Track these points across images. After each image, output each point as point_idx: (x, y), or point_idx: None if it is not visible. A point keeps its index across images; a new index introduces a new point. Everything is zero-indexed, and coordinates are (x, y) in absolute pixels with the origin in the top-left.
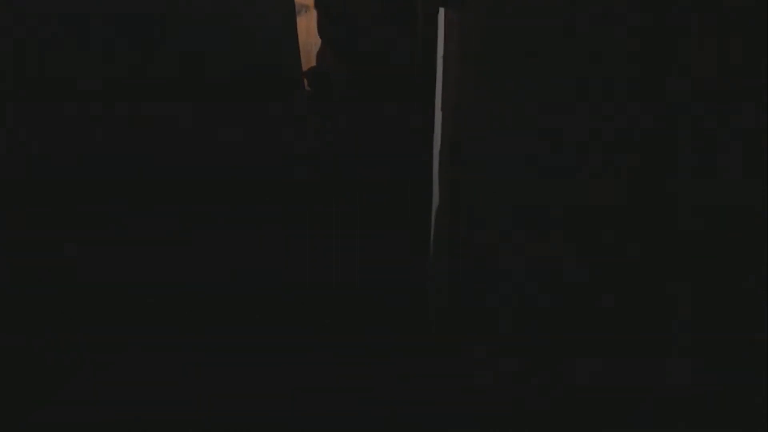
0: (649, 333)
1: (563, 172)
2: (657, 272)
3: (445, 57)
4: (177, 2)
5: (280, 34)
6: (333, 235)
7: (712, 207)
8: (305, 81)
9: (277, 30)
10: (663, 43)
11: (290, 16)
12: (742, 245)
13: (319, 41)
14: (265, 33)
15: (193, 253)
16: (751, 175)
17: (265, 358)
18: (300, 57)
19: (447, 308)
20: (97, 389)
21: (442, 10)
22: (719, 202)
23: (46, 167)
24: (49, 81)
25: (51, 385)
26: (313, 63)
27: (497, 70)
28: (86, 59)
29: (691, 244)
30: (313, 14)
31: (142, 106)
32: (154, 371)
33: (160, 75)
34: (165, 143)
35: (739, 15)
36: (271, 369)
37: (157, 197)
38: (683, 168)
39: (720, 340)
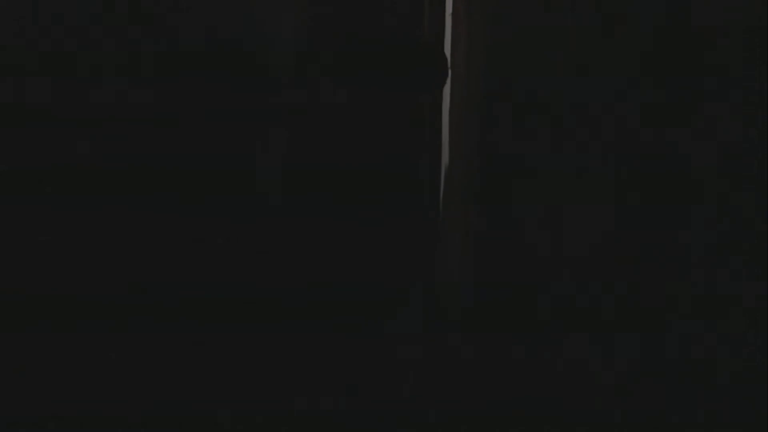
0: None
1: None
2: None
3: (454, 13)
4: None
5: None
6: (333, 228)
7: None
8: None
9: None
10: None
11: None
12: None
13: None
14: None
15: (191, 251)
16: None
17: (265, 358)
18: None
19: (471, 308)
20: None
21: None
22: None
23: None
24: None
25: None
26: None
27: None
28: None
29: None
30: None
31: None
32: (154, 371)
33: None
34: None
35: None
36: (271, 369)
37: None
38: None
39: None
